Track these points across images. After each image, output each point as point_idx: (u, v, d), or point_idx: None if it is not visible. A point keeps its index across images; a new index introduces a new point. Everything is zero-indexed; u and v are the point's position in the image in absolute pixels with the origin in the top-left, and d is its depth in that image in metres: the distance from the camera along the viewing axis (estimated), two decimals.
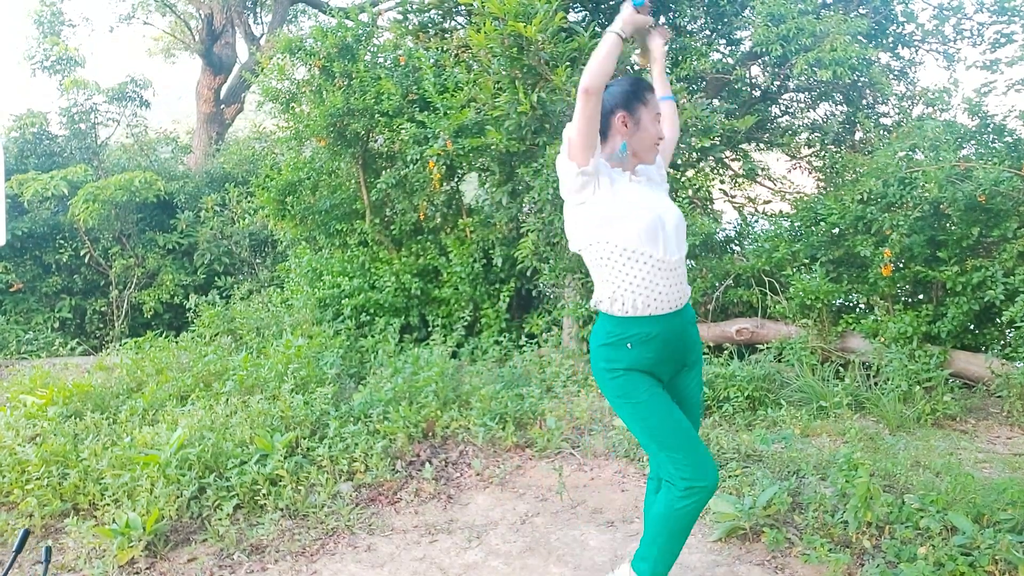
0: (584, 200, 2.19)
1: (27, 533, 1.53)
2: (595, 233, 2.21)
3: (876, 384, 4.95)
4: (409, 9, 7.56)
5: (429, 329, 6.12)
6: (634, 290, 2.19)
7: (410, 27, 7.46)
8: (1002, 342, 5.14)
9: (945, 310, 5.13)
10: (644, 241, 2.17)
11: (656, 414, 2.24)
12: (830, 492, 3.24)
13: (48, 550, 1.66)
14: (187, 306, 7.06)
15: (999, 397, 4.81)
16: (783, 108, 8.37)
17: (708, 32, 7.52)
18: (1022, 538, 2.76)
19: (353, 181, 6.83)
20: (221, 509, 3.24)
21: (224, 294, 7.92)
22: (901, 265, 5.37)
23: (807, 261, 5.66)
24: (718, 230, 6.42)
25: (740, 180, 7.99)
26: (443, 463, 3.91)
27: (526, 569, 2.93)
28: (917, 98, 7.39)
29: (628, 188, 2.23)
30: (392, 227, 6.61)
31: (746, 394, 4.70)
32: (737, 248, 6.59)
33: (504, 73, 5.71)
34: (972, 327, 5.33)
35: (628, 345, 2.23)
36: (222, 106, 12.80)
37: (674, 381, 2.36)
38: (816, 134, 7.90)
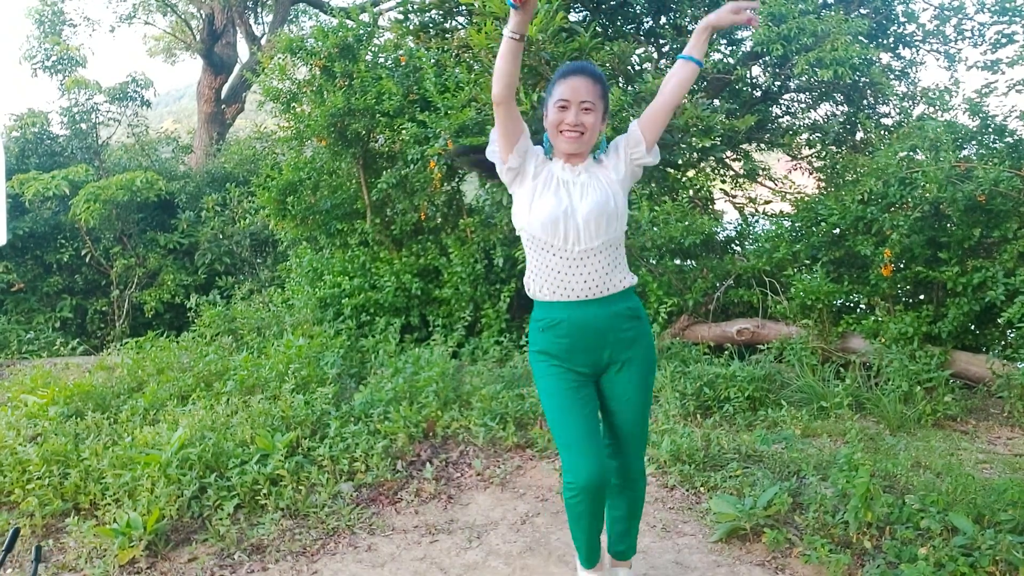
0: (513, 191, 2.32)
1: (17, 531, 1.52)
2: (516, 220, 2.32)
3: (877, 384, 4.95)
4: (410, 9, 7.56)
5: (430, 329, 6.12)
6: (542, 276, 2.27)
7: (411, 27, 7.46)
8: (1003, 343, 5.14)
9: (946, 311, 5.12)
10: (546, 231, 2.22)
11: (552, 404, 2.29)
12: (831, 492, 3.24)
13: (39, 549, 1.65)
14: (188, 306, 7.07)
15: (1000, 398, 4.81)
16: (784, 108, 8.37)
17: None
18: (1023, 539, 2.76)
19: (354, 181, 6.83)
20: (222, 509, 3.24)
21: (225, 294, 7.93)
22: (902, 266, 5.37)
23: (808, 261, 5.66)
24: (719, 230, 6.41)
25: (741, 180, 7.98)
26: (444, 463, 3.91)
27: (526, 569, 2.93)
28: (918, 98, 7.39)
29: (547, 178, 2.26)
30: (393, 227, 6.61)
31: (747, 394, 4.70)
32: (738, 248, 6.58)
33: None
34: (973, 328, 5.32)
35: (540, 329, 2.31)
36: (223, 106, 12.81)
37: (604, 380, 2.36)
38: (817, 134, 7.89)
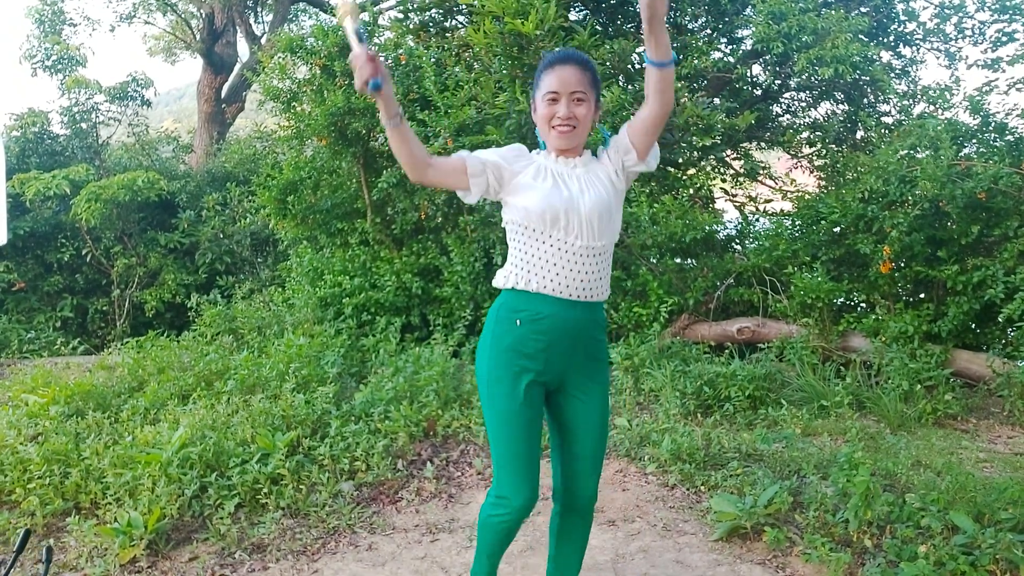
0: (502, 197, 2.16)
1: (28, 533, 1.52)
2: (508, 212, 2.15)
3: (877, 383, 4.95)
4: (410, 8, 7.56)
5: (430, 328, 6.12)
6: (533, 266, 2.08)
7: (411, 26, 7.46)
8: (1003, 341, 5.13)
9: (946, 309, 5.12)
10: (545, 220, 2.05)
11: (500, 414, 2.11)
12: (831, 491, 3.25)
13: (49, 550, 1.66)
14: (188, 305, 7.07)
15: (1000, 396, 4.81)
16: (784, 107, 8.36)
17: (709, 31, 7.51)
18: (1023, 537, 2.76)
19: (354, 180, 6.83)
20: (223, 508, 3.25)
21: (225, 293, 7.93)
22: (902, 264, 5.37)
23: (808, 260, 5.66)
24: (719, 229, 6.41)
25: (741, 179, 7.98)
26: (444, 462, 3.92)
27: (527, 568, 2.93)
28: (918, 97, 7.38)
29: (539, 170, 2.11)
30: (393, 226, 6.61)
31: (747, 393, 4.70)
32: (738, 247, 6.58)
33: (505, 72, 5.71)
34: (973, 326, 5.32)
35: (517, 321, 2.10)
36: (223, 105, 12.81)
37: (564, 399, 2.18)
38: (817, 133, 7.88)
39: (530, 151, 2.22)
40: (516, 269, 2.12)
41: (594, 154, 2.21)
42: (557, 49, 2.24)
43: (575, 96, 2.07)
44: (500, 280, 2.17)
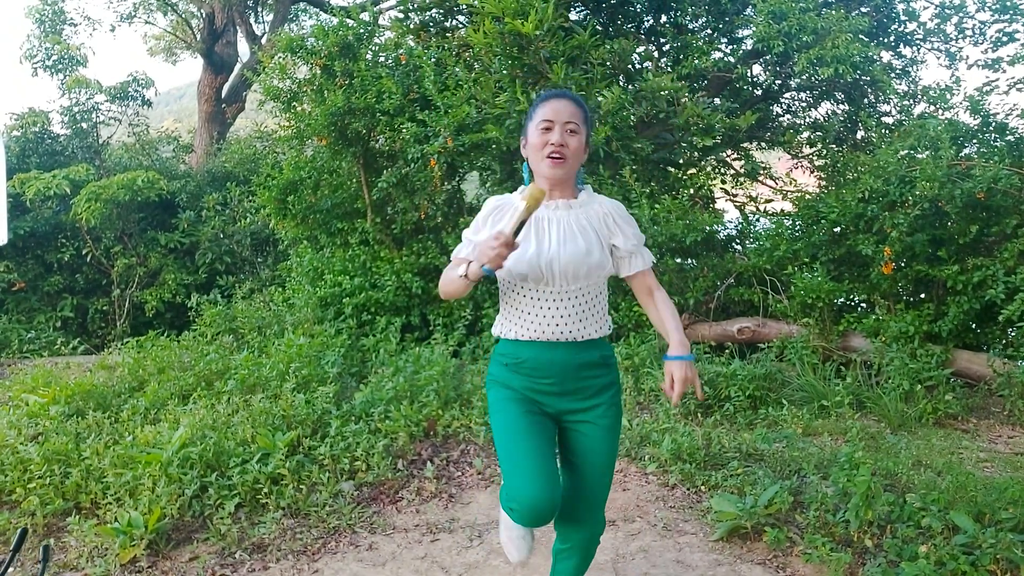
0: None
1: (25, 531, 1.52)
2: None
3: (877, 383, 4.95)
4: (410, 8, 7.56)
5: (430, 328, 6.12)
6: (512, 315, 2.13)
7: (411, 26, 7.46)
8: (1004, 341, 5.13)
9: (946, 309, 5.12)
10: (519, 274, 2.06)
11: (501, 423, 2.10)
12: (831, 491, 3.25)
13: (47, 548, 1.65)
14: (189, 305, 7.07)
15: (1001, 396, 4.81)
16: (785, 107, 8.35)
17: (709, 31, 7.50)
18: (1023, 537, 2.76)
19: (354, 180, 6.83)
20: (223, 508, 3.25)
21: (226, 293, 7.93)
22: (903, 264, 5.37)
23: (808, 260, 5.66)
24: (720, 229, 6.41)
25: (742, 179, 7.98)
26: (444, 462, 3.92)
27: (527, 568, 2.93)
28: (919, 97, 7.38)
29: (533, 221, 2.07)
30: (393, 226, 6.61)
31: (747, 393, 4.70)
32: (739, 247, 6.58)
33: (505, 72, 5.71)
34: (974, 326, 5.32)
35: (503, 364, 2.16)
36: (223, 105, 12.81)
37: (567, 430, 2.17)
38: (818, 133, 7.87)
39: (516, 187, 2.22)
40: (502, 318, 2.18)
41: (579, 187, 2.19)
42: (549, 90, 2.21)
43: (569, 127, 2.08)
44: (495, 329, 2.22)
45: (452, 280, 2.06)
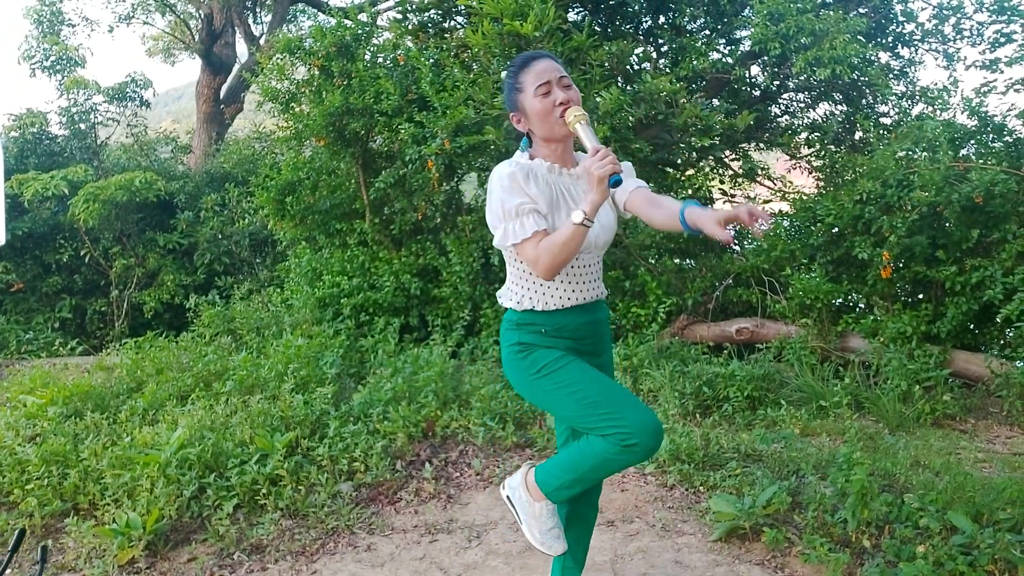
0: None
1: (23, 532, 1.52)
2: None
3: (876, 384, 4.95)
4: (408, 9, 7.55)
5: (429, 329, 6.12)
6: (546, 287, 2.13)
7: (409, 27, 7.45)
8: (1002, 341, 5.14)
9: (944, 310, 5.13)
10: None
11: (577, 378, 2.06)
12: (830, 491, 3.25)
13: (44, 549, 1.66)
14: (187, 306, 7.07)
15: (999, 397, 4.81)
16: (783, 108, 8.36)
17: (708, 32, 7.51)
18: (1021, 537, 2.77)
19: (353, 181, 6.83)
20: (221, 509, 3.25)
21: (224, 294, 7.93)
22: (901, 265, 5.37)
23: (806, 261, 5.66)
24: None
25: (740, 180, 7.98)
26: (443, 463, 3.91)
27: (526, 568, 2.93)
28: (917, 98, 7.39)
29: (553, 197, 2.08)
30: (392, 227, 6.61)
31: (746, 393, 4.70)
32: (737, 248, 6.59)
33: (503, 73, 5.70)
34: (972, 327, 5.33)
35: (543, 330, 2.13)
36: (222, 106, 12.79)
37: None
38: (816, 134, 7.88)
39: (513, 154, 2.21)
40: (528, 292, 2.14)
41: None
42: (521, 54, 2.17)
43: (563, 82, 2.07)
44: (511, 302, 2.17)
45: (565, 239, 1.94)
